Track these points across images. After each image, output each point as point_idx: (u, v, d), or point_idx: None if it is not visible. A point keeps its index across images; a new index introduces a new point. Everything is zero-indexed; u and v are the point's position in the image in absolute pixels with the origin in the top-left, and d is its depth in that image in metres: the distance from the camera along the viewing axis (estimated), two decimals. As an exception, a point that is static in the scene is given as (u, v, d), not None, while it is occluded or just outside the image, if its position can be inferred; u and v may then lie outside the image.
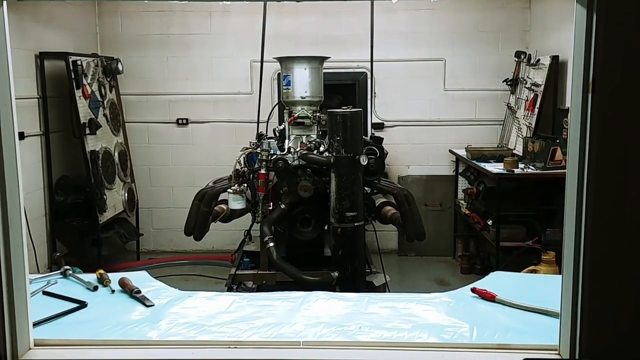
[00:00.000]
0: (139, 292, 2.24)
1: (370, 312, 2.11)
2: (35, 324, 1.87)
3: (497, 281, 2.41)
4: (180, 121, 6.89)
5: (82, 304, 2.15)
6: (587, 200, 1.46)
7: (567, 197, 1.53)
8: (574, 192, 1.49)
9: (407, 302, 2.19)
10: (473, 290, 2.26)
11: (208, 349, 1.76)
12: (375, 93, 6.73)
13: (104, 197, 5.82)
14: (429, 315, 2.09)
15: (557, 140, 5.21)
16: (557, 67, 5.64)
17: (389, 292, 4.25)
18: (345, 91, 6.58)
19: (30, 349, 1.68)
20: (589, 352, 1.50)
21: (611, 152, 1.44)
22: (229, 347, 1.75)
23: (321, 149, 4.29)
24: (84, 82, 5.68)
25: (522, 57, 6.24)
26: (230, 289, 4.33)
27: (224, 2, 6.29)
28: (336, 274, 3.89)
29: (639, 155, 1.44)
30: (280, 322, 2.00)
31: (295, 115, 4.53)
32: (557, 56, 5.63)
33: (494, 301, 2.18)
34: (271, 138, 4.67)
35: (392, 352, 1.74)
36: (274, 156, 4.25)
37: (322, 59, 4.61)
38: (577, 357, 1.52)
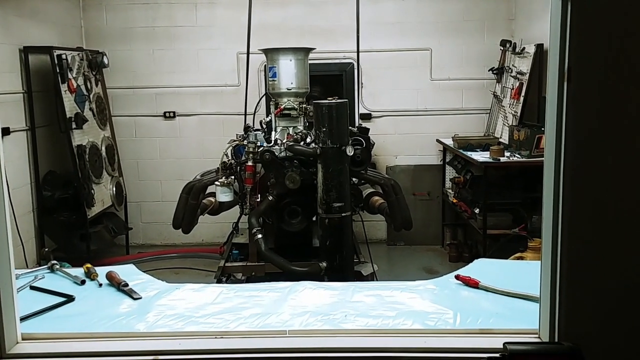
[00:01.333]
0: (127, 285, 2.26)
1: (356, 300, 2.14)
2: (23, 319, 1.88)
3: (481, 268, 2.44)
4: (167, 114, 6.87)
5: (69, 298, 2.15)
6: (564, 187, 1.49)
7: (545, 184, 1.56)
8: (551, 179, 1.52)
9: (392, 290, 2.22)
10: (457, 277, 2.29)
11: (195, 339, 1.77)
12: (362, 84, 6.74)
13: (92, 191, 5.80)
14: (413, 302, 2.11)
15: (542, 128, 5.25)
16: (541, 55, 5.67)
17: (377, 281, 4.28)
18: (333, 82, 6.59)
19: (17, 342, 1.69)
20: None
21: (587, 139, 1.47)
22: (216, 338, 1.77)
23: (308, 140, 4.31)
24: (70, 76, 5.65)
25: (508, 45, 6.27)
26: (219, 281, 4.35)
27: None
28: (324, 264, 3.92)
29: (615, 143, 1.47)
30: (267, 312, 2.01)
31: (282, 107, 4.53)
32: (542, 44, 5.66)
33: (477, 287, 2.22)
34: (258, 130, 4.67)
35: (377, 338, 1.76)
36: (261, 148, 4.26)
37: (308, 50, 4.61)
38: (556, 339, 1.55)
